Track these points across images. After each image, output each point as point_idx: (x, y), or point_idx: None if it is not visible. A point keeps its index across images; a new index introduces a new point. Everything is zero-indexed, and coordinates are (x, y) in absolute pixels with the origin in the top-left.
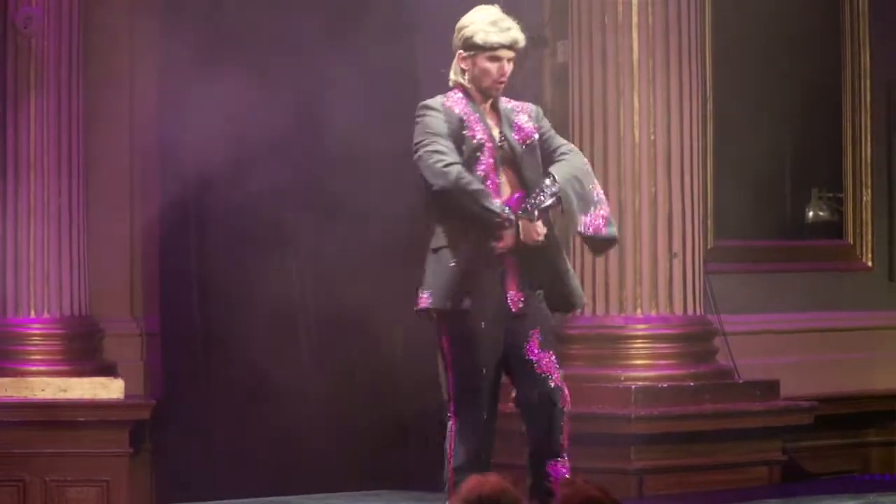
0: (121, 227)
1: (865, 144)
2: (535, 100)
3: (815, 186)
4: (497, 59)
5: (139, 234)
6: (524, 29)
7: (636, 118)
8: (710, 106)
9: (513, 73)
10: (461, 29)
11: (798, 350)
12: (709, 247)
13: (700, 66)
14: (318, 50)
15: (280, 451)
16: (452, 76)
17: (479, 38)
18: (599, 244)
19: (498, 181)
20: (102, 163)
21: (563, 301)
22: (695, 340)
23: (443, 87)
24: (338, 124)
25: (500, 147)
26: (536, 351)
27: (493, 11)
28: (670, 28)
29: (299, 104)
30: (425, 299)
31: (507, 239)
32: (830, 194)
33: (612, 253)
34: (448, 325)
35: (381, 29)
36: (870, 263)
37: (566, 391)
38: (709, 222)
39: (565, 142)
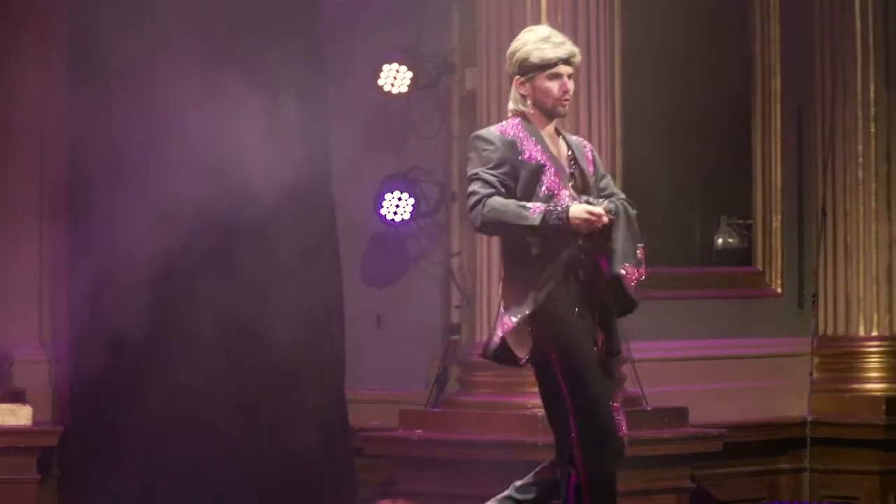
0: (29, 253)
1: (775, 170)
2: (444, 127)
3: (725, 213)
4: (557, 76)
5: (48, 261)
6: (431, 57)
7: None
8: (618, 133)
9: (422, 100)
10: (514, 53)
11: (707, 377)
12: None
13: (608, 93)
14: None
15: (188, 480)
16: (512, 105)
17: (534, 58)
18: (626, 300)
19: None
20: (10, 188)
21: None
22: None
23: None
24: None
25: (571, 175)
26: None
27: (543, 28)
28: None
29: (208, 126)
30: (509, 322)
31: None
32: (740, 221)
33: None
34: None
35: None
36: (779, 290)
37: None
38: None
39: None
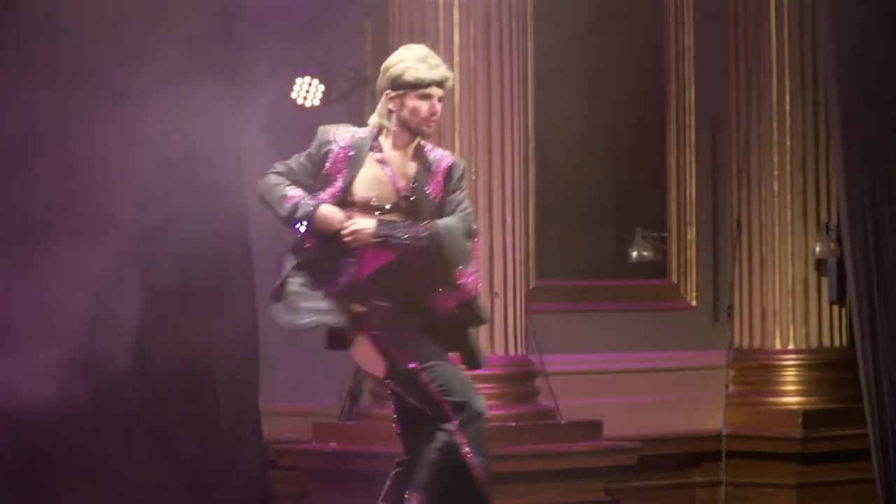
0: None
1: (690, 182)
2: None
3: (639, 225)
4: (427, 96)
5: None
6: (343, 70)
7: None
8: (532, 144)
9: (334, 113)
10: (388, 68)
11: (622, 390)
12: (530, 286)
13: (522, 104)
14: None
15: (101, 497)
16: (375, 119)
17: (409, 76)
18: (473, 315)
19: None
20: None
21: None
22: (516, 381)
23: None
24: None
25: (406, 197)
26: None
27: (421, 49)
28: (492, 67)
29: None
30: None
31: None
32: (654, 233)
33: None
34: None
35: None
36: (694, 303)
37: None
38: (530, 262)
39: (468, 214)
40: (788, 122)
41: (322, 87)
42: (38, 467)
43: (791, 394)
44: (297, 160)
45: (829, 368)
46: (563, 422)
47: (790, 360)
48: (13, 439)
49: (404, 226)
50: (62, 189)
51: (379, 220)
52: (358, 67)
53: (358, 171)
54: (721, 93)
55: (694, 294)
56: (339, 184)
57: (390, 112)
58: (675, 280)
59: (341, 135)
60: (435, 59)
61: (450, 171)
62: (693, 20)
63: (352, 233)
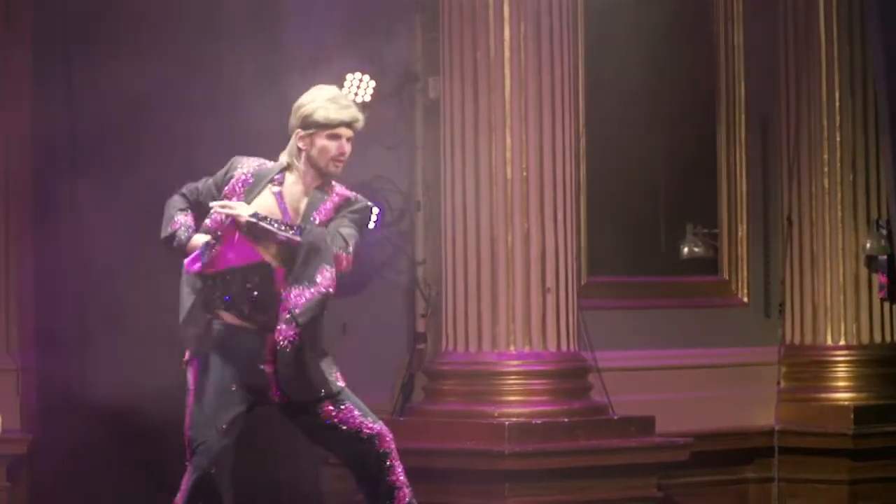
0: None
1: (740, 179)
2: (408, 136)
3: (690, 222)
4: (337, 136)
5: (14, 270)
6: (397, 65)
7: (508, 154)
8: (583, 141)
9: (385, 109)
10: (299, 108)
11: (673, 386)
12: (582, 283)
13: (573, 101)
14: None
15: (159, 485)
16: (285, 158)
17: (319, 116)
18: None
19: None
20: None
21: None
22: (568, 377)
23: None
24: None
25: (290, 227)
26: None
27: (332, 89)
28: (542, 64)
29: (171, 129)
30: None
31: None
32: (705, 230)
33: (485, 288)
34: None
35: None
36: (745, 299)
37: None
38: (582, 258)
39: (350, 233)
40: (838, 119)
41: (373, 84)
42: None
43: (842, 390)
44: (204, 183)
45: (880, 364)
46: (615, 418)
47: (841, 357)
48: (61, 411)
49: (280, 222)
50: (128, 162)
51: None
52: (408, 63)
53: (252, 199)
54: (771, 90)
55: (745, 290)
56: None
57: (300, 151)
58: (726, 276)
59: (248, 164)
60: (345, 101)
61: (344, 202)
62: (742, 18)
63: (223, 206)
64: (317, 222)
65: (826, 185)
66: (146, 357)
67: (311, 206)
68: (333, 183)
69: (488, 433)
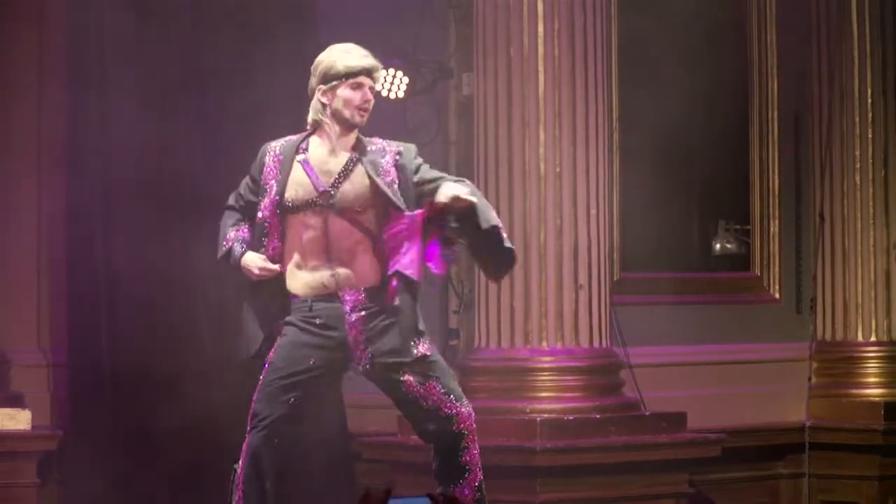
0: (28, 259)
1: (773, 176)
2: (441, 132)
3: (722, 218)
4: (359, 85)
5: (46, 266)
6: (428, 62)
7: (542, 150)
8: (616, 137)
9: (418, 105)
10: (318, 65)
11: (705, 382)
12: (615, 279)
13: (606, 97)
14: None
15: (190, 484)
16: (311, 116)
17: (339, 65)
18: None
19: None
20: (7, 191)
21: None
22: (601, 372)
23: None
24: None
25: (325, 193)
26: None
27: (347, 44)
28: (576, 60)
29: (209, 128)
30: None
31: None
32: (738, 226)
33: (518, 284)
34: None
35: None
36: (777, 295)
37: None
38: (615, 254)
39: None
40: (870, 115)
41: (406, 79)
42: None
43: (873, 385)
44: (244, 183)
45: None
46: (647, 414)
47: (873, 353)
48: (92, 408)
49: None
50: (162, 162)
51: None
52: (442, 59)
53: (288, 176)
54: (803, 87)
55: (777, 286)
56: (272, 192)
57: (324, 107)
58: (758, 273)
59: (275, 143)
60: (362, 51)
61: (400, 160)
62: (776, 13)
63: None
64: (389, 181)
65: (858, 182)
66: (178, 353)
67: (371, 169)
68: (362, 137)
69: (520, 429)
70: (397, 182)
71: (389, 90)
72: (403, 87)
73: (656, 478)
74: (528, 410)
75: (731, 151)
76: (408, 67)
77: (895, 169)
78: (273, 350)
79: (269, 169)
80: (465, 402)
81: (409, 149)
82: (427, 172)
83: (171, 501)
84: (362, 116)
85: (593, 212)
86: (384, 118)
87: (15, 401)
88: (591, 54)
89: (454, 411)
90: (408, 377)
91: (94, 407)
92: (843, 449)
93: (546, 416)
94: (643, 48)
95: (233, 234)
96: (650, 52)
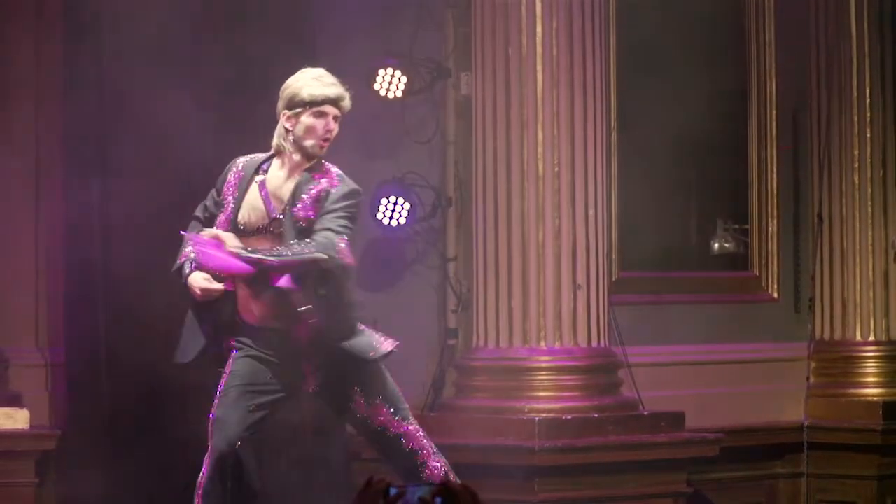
0: (26, 259)
1: (771, 175)
2: (439, 131)
3: (721, 218)
4: (323, 114)
5: (44, 266)
6: (426, 62)
7: (540, 150)
8: (614, 137)
9: (417, 105)
10: (285, 89)
11: (704, 382)
12: (613, 278)
13: (605, 97)
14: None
15: (187, 483)
16: (275, 140)
17: (304, 93)
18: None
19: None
20: (5, 190)
21: None
22: (599, 372)
23: None
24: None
25: (275, 219)
26: None
27: (317, 70)
28: (575, 60)
29: (207, 134)
30: None
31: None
32: (736, 226)
33: (516, 284)
34: None
35: None
36: (776, 295)
37: None
38: (613, 254)
39: (333, 227)
40: (869, 115)
41: (404, 79)
42: None
43: (871, 385)
44: (210, 194)
45: None
46: (645, 413)
47: (871, 352)
48: (90, 407)
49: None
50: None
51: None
52: (440, 59)
53: (244, 195)
54: (802, 86)
55: (775, 286)
56: (228, 209)
57: (287, 132)
58: (756, 272)
59: (241, 160)
60: (330, 79)
61: (322, 194)
62: (774, 12)
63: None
64: (295, 215)
65: (856, 181)
66: (175, 354)
67: (299, 191)
68: (325, 163)
69: (519, 429)
70: (310, 216)
71: (388, 90)
72: (402, 87)
73: (654, 477)
74: (526, 410)
75: (730, 151)
76: (406, 67)
77: (894, 169)
78: (231, 361)
79: (229, 185)
80: (410, 419)
81: (336, 192)
82: (323, 219)
83: (170, 501)
84: (322, 147)
85: (591, 212)
86: (383, 118)
87: (13, 400)
88: (589, 54)
89: (401, 430)
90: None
91: (92, 406)
92: (842, 448)
93: (544, 415)
94: (642, 48)
95: (187, 247)
96: (649, 52)
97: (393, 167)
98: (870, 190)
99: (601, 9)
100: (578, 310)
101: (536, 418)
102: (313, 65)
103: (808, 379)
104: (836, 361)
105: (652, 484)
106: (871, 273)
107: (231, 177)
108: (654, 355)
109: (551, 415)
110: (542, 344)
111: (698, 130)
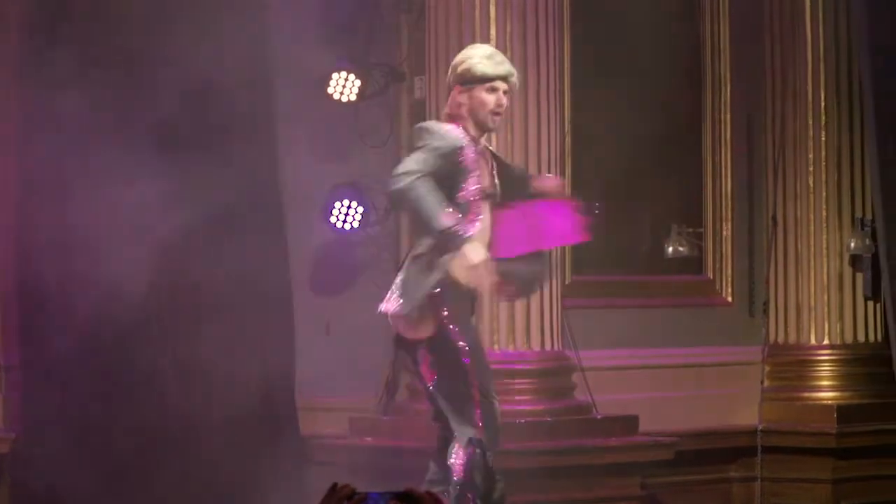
0: None
1: (725, 179)
2: (393, 135)
3: (675, 221)
4: (494, 90)
5: None
6: (380, 65)
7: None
8: (568, 140)
9: (371, 109)
10: (458, 64)
11: (657, 386)
12: (566, 282)
13: (559, 101)
14: None
15: (142, 488)
16: (448, 110)
17: (477, 70)
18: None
19: (479, 215)
20: None
21: None
22: (552, 376)
23: None
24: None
25: (491, 191)
26: None
27: (488, 47)
28: (528, 64)
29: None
30: (396, 303)
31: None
32: (690, 229)
33: None
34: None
35: None
36: (729, 299)
37: None
38: (566, 257)
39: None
40: (823, 118)
41: (358, 83)
42: None
43: (826, 389)
44: (428, 161)
45: (863, 363)
46: (599, 417)
47: (825, 356)
48: (45, 411)
49: None
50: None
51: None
52: (394, 63)
53: (481, 166)
54: (756, 89)
55: (729, 290)
56: (474, 177)
57: (459, 106)
58: (710, 276)
59: (456, 131)
60: (500, 57)
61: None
62: (728, 16)
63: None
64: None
65: (811, 185)
66: (134, 353)
67: (502, 169)
68: None
69: None
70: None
71: (342, 93)
72: (356, 91)
73: (608, 481)
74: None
75: (684, 154)
76: (360, 71)
77: (848, 172)
78: (460, 331)
79: (468, 156)
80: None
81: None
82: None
83: (124, 502)
84: (494, 121)
85: None
86: (336, 122)
87: None
88: (543, 58)
89: None
90: None
91: (48, 410)
92: (796, 452)
93: None
94: (595, 52)
95: (452, 211)
96: (603, 55)
97: (347, 171)
98: (824, 193)
99: (555, 14)
100: (531, 313)
101: None
102: (267, 69)
103: (762, 382)
104: (790, 365)
105: (606, 488)
106: (825, 276)
107: (466, 149)
108: (608, 359)
109: (504, 419)
110: (495, 347)
111: (653, 134)
